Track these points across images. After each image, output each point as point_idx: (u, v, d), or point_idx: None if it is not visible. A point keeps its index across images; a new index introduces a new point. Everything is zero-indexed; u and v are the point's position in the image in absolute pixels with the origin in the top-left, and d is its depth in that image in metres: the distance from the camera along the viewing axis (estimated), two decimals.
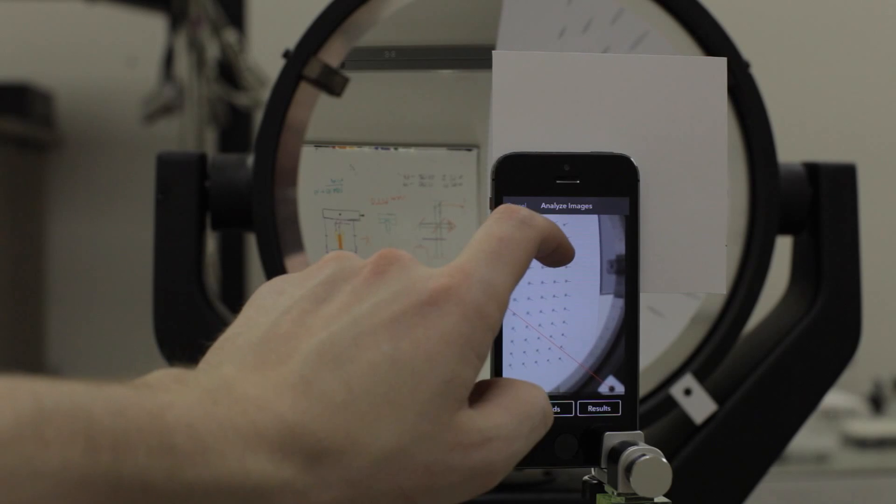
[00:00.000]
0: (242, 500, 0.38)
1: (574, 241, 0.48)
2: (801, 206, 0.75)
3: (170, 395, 0.38)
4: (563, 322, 0.49)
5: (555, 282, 0.49)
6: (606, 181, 0.50)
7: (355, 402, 0.40)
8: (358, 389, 0.40)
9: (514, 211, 0.46)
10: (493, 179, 0.49)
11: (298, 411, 0.39)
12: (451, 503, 0.42)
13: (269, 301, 0.45)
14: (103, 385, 0.37)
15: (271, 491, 0.38)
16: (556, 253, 0.47)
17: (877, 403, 1.89)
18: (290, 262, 0.71)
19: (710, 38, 0.71)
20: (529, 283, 0.49)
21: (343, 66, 0.71)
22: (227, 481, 0.37)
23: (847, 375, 0.78)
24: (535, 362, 0.49)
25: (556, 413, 0.49)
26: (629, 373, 0.50)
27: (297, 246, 0.71)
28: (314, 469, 0.39)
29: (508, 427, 0.43)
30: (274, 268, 0.70)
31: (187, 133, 2.21)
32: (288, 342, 0.42)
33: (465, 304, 0.42)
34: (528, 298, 0.49)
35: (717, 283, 0.51)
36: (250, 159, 0.72)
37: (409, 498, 0.41)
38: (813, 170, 0.75)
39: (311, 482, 0.39)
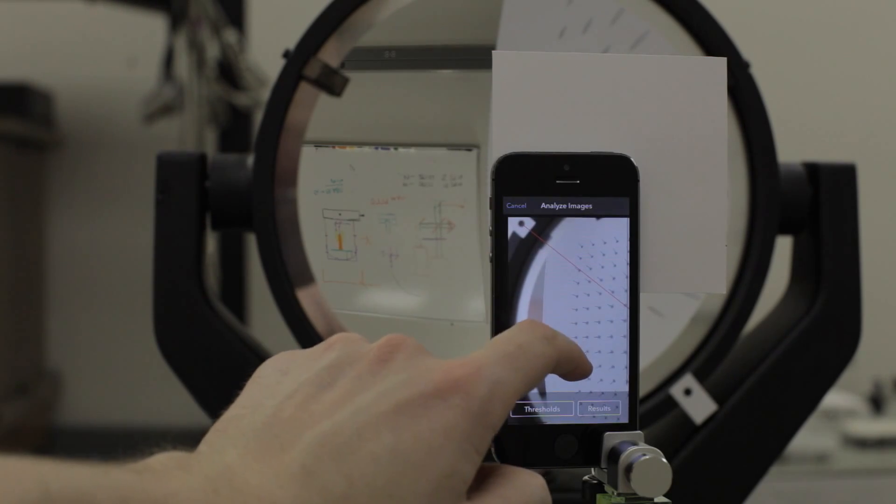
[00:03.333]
0: None
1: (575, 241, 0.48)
2: (801, 206, 0.75)
3: (172, 482, 0.38)
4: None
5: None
6: (606, 181, 0.50)
7: (355, 494, 0.40)
8: (359, 482, 0.40)
9: (539, 326, 0.46)
10: (493, 179, 0.49)
11: (299, 503, 0.39)
12: None
13: (272, 380, 0.45)
14: (108, 470, 0.37)
15: None
16: (573, 373, 0.47)
17: (877, 403, 1.89)
18: (290, 261, 0.71)
19: (710, 38, 0.71)
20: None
21: (343, 66, 0.71)
22: None
23: (847, 375, 0.78)
24: None
25: (556, 413, 0.49)
26: (629, 373, 0.50)
27: (297, 246, 0.71)
28: None
29: None
30: (274, 268, 0.70)
31: (187, 133, 2.21)
32: (291, 429, 0.42)
33: (471, 399, 0.42)
34: None
35: (717, 283, 0.51)
36: (250, 159, 0.72)
37: None
38: (813, 170, 0.75)
39: None
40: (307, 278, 0.71)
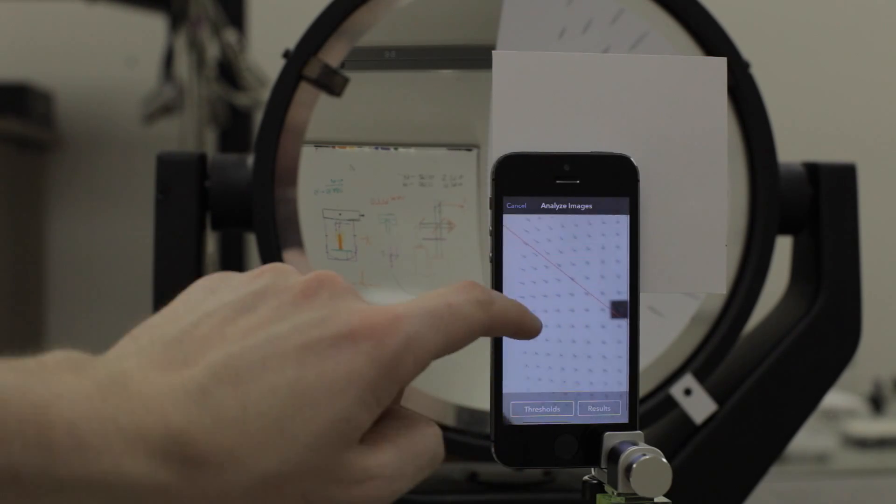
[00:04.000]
0: (114, 498, 0.38)
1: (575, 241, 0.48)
2: (801, 206, 0.75)
3: (60, 385, 0.38)
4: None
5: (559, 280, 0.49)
6: (606, 181, 0.50)
7: (247, 421, 0.40)
8: (252, 410, 0.40)
9: (475, 289, 0.45)
10: (493, 179, 0.49)
11: (187, 419, 0.39)
12: None
13: (198, 297, 0.45)
14: None
15: (144, 492, 0.39)
16: (517, 334, 0.47)
17: (877, 403, 1.89)
18: (290, 261, 0.71)
19: (710, 38, 0.71)
20: (534, 283, 0.49)
21: (343, 66, 0.71)
22: (100, 479, 0.38)
23: (847, 375, 0.78)
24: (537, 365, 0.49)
25: (555, 413, 0.49)
26: (629, 373, 0.50)
27: (297, 246, 0.71)
28: (191, 477, 0.39)
29: (393, 466, 0.43)
30: None
31: (187, 133, 2.21)
32: (200, 346, 0.42)
33: (382, 349, 0.42)
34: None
35: (717, 283, 0.51)
36: (250, 159, 0.72)
37: None
38: (813, 170, 0.75)
39: (185, 489, 0.39)
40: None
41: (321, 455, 0.41)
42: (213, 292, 0.45)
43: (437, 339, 0.43)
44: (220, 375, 0.40)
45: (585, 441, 0.49)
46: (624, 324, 0.50)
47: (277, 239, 0.70)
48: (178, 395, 0.40)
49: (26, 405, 0.37)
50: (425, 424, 0.44)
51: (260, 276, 0.45)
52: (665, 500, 0.48)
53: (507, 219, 0.49)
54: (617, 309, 0.50)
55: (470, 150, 0.70)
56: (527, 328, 0.47)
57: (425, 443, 0.44)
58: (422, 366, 0.43)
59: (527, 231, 0.49)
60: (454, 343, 0.44)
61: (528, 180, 0.49)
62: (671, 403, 0.72)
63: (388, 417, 0.44)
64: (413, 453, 0.43)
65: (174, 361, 0.41)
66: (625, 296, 0.50)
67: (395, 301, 0.69)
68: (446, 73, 0.72)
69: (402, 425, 0.44)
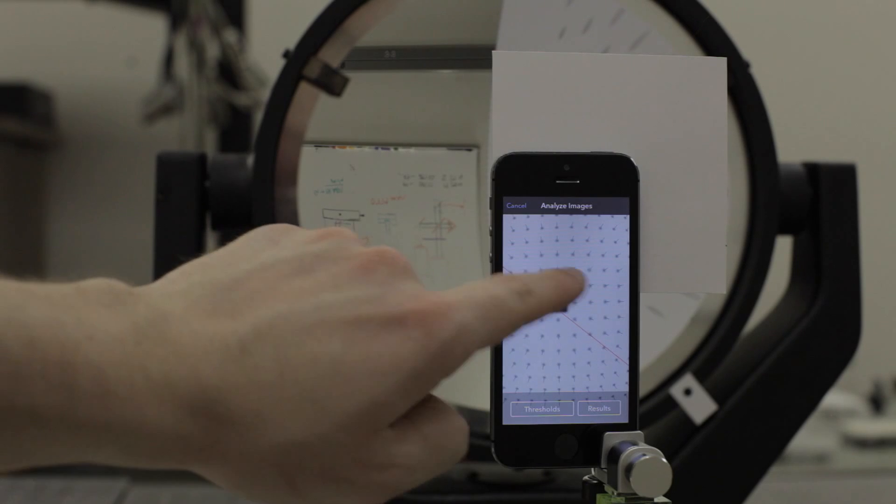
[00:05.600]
0: (134, 443, 0.38)
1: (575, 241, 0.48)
2: (801, 206, 0.75)
3: (93, 324, 0.38)
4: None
5: None
6: (606, 181, 0.50)
7: (282, 386, 0.39)
8: (289, 376, 0.39)
9: (514, 280, 0.44)
10: (493, 179, 0.49)
11: (220, 376, 0.38)
12: None
13: (258, 245, 0.44)
14: (29, 299, 0.37)
15: (165, 441, 0.38)
16: (561, 308, 0.46)
17: (877, 403, 1.89)
18: None
19: (710, 38, 0.71)
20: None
21: (343, 66, 0.71)
22: (122, 425, 0.37)
23: (847, 375, 0.78)
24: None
25: (556, 413, 0.49)
26: (629, 373, 0.50)
27: None
28: (215, 433, 0.39)
29: (418, 458, 0.42)
30: None
31: (187, 133, 2.21)
32: (249, 299, 0.41)
33: (431, 338, 0.41)
34: None
35: (717, 283, 0.51)
36: (250, 159, 0.72)
37: (294, 489, 0.40)
38: (813, 170, 0.75)
39: (206, 443, 0.39)
40: None
41: (350, 435, 0.40)
42: (275, 243, 0.44)
43: (485, 331, 0.42)
44: (264, 335, 0.39)
45: (585, 441, 0.49)
46: (624, 324, 0.50)
47: None
48: (216, 349, 0.39)
49: (54, 345, 0.36)
50: (455, 418, 0.44)
51: (324, 237, 0.44)
52: (665, 500, 0.48)
53: (507, 219, 0.49)
54: (617, 309, 0.50)
55: (470, 150, 0.70)
56: (567, 301, 0.46)
57: (452, 438, 0.43)
58: (467, 358, 0.42)
59: (527, 231, 0.49)
60: (498, 336, 0.43)
61: (528, 180, 0.49)
62: (671, 403, 0.72)
63: (419, 405, 0.43)
64: (439, 446, 0.43)
65: (220, 311, 0.40)
66: (625, 296, 0.50)
67: None
68: (446, 73, 0.72)
69: (432, 416, 0.43)
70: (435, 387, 0.42)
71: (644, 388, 0.71)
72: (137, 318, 0.39)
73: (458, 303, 0.42)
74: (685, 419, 0.73)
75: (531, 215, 0.49)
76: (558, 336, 0.49)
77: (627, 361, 0.50)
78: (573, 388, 0.49)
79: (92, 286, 0.40)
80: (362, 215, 0.70)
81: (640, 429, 0.49)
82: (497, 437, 0.49)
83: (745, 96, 0.72)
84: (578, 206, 0.49)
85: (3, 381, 0.35)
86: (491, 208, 0.49)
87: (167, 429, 0.38)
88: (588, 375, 0.49)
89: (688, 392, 0.72)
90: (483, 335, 0.42)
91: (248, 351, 0.39)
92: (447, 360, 0.41)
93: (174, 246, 0.72)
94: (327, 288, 0.41)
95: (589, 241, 0.49)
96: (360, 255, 0.43)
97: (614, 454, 0.48)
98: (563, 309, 0.46)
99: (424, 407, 0.43)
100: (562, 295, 0.45)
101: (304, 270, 0.42)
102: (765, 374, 0.74)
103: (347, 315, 0.40)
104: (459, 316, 0.41)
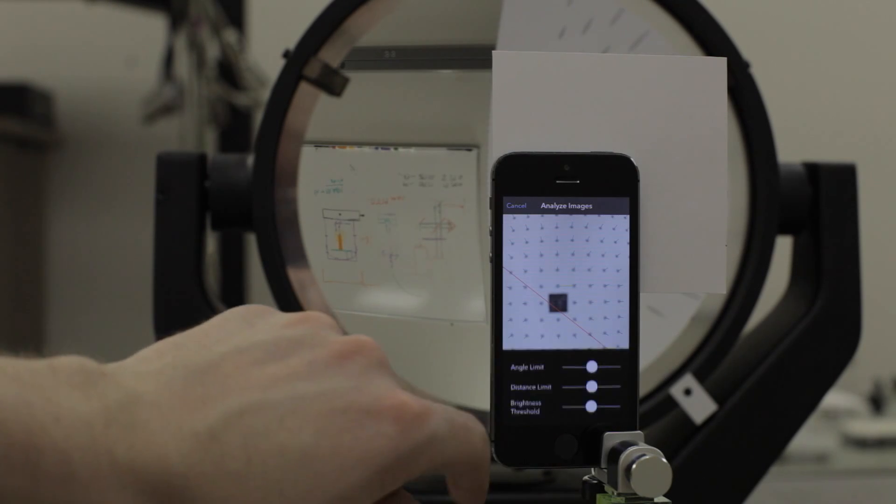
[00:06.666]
0: None
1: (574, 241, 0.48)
2: (801, 206, 0.75)
3: (62, 405, 0.37)
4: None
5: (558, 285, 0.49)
6: (606, 181, 0.50)
7: (248, 477, 0.39)
8: (257, 467, 0.39)
9: (480, 424, 0.44)
10: (493, 179, 0.49)
11: (188, 463, 0.38)
12: None
13: (234, 327, 0.43)
14: None
15: None
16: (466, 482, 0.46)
17: (877, 403, 1.89)
18: (290, 261, 0.71)
19: (710, 38, 0.71)
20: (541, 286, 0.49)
21: (343, 66, 0.71)
22: None
23: (847, 375, 0.78)
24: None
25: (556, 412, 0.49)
26: (629, 372, 0.50)
27: (298, 246, 0.71)
28: None
29: None
30: (274, 268, 0.70)
31: (187, 133, 2.21)
32: (222, 387, 0.40)
33: (405, 439, 0.41)
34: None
35: (717, 283, 0.51)
36: (250, 159, 0.72)
37: None
38: (813, 170, 0.75)
39: None
40: (307, 278, 0.71)
41: None
42: (250, 325, 0.43)
43: (452, 449, 0.42)
44: (233, 423, 0.39)
45: (585, 441, 0.49)
46: (624, 324, 0.50)
47: (277, 239, 0.70)
48: (185, 436, 0.38)
49: (20, 427, 0.36)
50: None
51: (301, 322, 0.43)
52: (665, 500, 0.47)
53: (507, 219, 0.49)
54: (617, 309, 0.50)
55: (470, 150, 0.70)
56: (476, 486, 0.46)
57: None
58: (427, 468, 0.42)
59: (527, 231, 0.49)
60: (458, 462, 0.43)
61: (528, 180, 0.49)
62: (671, 403, 0.72)
63: (384, 498, 0.42)
64: None
65: (192, 397, 0.40)
66: (625, 296, 0.50)
67: (396, 301, 0.69)
68: (446, 73, 0.72)
69: None
70: (397, 486, 0.41)
71: (644, 388, 0.71)
72: (107, 401, 0.38)
73: (435, 412, 0.42)
74: (685, 419, 0.73)
75: (531, 215, 0.49)
76: (558, 336, 0.49)
77: (627, 361, 0.50)
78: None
79: (63, 365, 0.39)
80: (362, 215, 0.70)
81: (640, 429, 0.49)
82: (497, 436, 0.49)
83: (745, 96, 0.72)
84: (578, 206, 0.49)
85: None
86: (491, 208, 0.49)
87: None
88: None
89: (688, 392, 0.72)
90: (449, 453, 0.42)
91: (217, 438, 0.39)
92: (412, 463, 0.41)
93: (174, 246, 0.72)
94: (301, 376, 0.41)
95: (589, 241, 0.49)
96: (335, 343, 0.43)
97: (614, 454, 0.48)
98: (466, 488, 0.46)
99: (390, 499, 0.43)
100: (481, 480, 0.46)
101: (278, 356, 0.42)
102: (765, 374, 0.74)
103: (321, 408, 0.40)
104: (434, 424, 0.41)
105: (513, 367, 0.49)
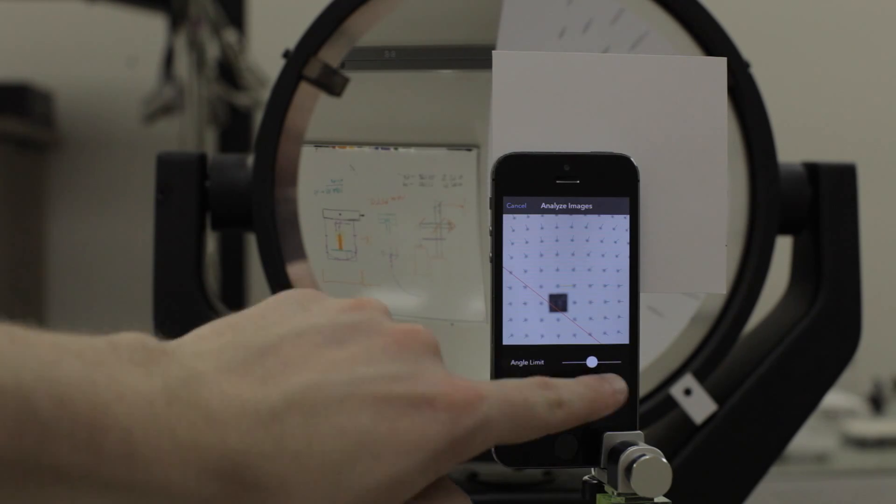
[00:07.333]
0: (155, 502, 0.38)
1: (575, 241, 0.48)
2: (801, 206, 0.75)
3: (124, 382, 0.37)
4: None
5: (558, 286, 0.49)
6: (606, 181, 0.50)
7: (308, 457, 0.39)
8: (316, 447, 0.39)
9: (550, 389, 0.45)
10: (493, 179, 0.49)
11: (248, 443, 0.39)
12: None
13: (289, 309, 0.44)
14: (61, 357, 0.37)
15: (187, 503, 0.38)
16: (592, 419, 0.47)
17: (877, 403, 1.89)
18: (290, 261, 0.71)
19: (710, 38, 0.71)
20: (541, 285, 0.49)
21: (343, 66, 0.71)
22: (145, 486, 0.37)
23: (847, 375, 0.78)
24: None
25: None
26: (629, 372, 0.50)
27: (298, 246, 0.71)
28: (237, 497, 0.39)
29: None
30: (274, 268, 0.70)
31: (187, 133, 2.21)
32: (282, 367, 0.41)
33: (457, 425, 0.41)
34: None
35: (717, 283, 0.51)
36: (250, 159, 0.72)
37: None
38: (813, 170, 0.75)
39: None
40: (307, 278, 0.71)
41: None
42: (305, 310, 0.44)
43: (508, 429, 0.43)
44: (295, 404, 0.40)
45: (585, 441, 0.49)
46: (624, 324, 0.50)
47: (277, 239, 0.70)
48: (246, 415, 0.39)
49: (85, 405, 0.36)
50: (462, 499, 0.44)
51: (356, 308, 0.44)
52: (665, 500, 0.47)
53: (507, 219, 0.49)
54: (617, 309, 0.50)
55: (470, 150, 0.70)
56: (599, 415, 0.47)
57: None
58: (483, 450, 0.43)
59: (527, 231, 0.49)
60: (520, 437, 0.44)
61: (528, 180, 0.49)
62: (671, 403, 0.72)
63: (431, 484, 0.43)
64: None
65: (252, 376, 0.40)
66: (625, 296, 0.50)
67: (396, 301, 0.69)
68: (446, 73, 0.72)
69: (444, 496, 0.44)
70: (450, 469, 0.42)
71: (644, 388, 0.71)
72: (169, 379, 0.39)
73: (488, 395, 0.42)
74: (685, 419, 0.73)
75: (531, 215, 0.49)
76: (558, 336, 0.49)
77: (627, 361, 0.50)
78: None
79: (125, 342, 0.39)
80: (362, 215, 0.70)
81: (640, 429, 0.49)
82: None
83: (745, 96, 0.72)
84: (578, 206, 0.49)
85: (30, 438, 0.35)
86: (491, 208, 0.49)
87: (190, 491, 0.38)
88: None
89: (688, 392, 0.72)
90: (504, 433, 0.43)
91: (279, 418, 0.39)
92: (466, 447, 0.42)
93: (174, 246, 0.72)
94: (360, 361, 0.42)
95: (589, 241, 0.49)
96: (393, 331, 0.43)
97: (614, 454, 0.48)
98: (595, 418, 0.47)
99: (436, 487, 0.44)
100: (594, 410, 0.46)
101: (337, 340, 0.42)
102: (765, 374, 0.74)
103: (379, 391, 0.41)
104: (487, 408, 0.42)
105: (513, 362, 0.49)
